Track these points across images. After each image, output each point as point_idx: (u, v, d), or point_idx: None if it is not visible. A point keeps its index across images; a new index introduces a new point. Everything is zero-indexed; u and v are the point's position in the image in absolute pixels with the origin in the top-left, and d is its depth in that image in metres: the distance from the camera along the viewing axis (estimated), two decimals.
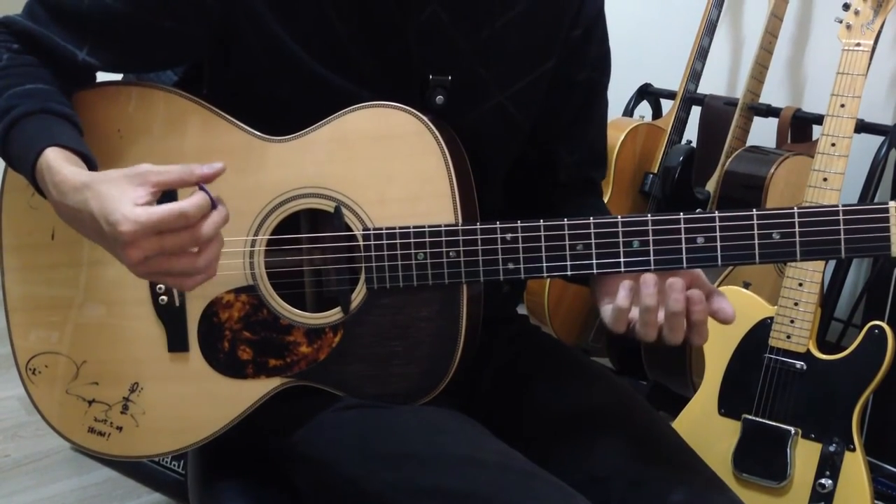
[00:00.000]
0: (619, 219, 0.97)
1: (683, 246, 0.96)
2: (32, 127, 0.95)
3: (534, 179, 1.24)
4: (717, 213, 0.95)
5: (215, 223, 0.88)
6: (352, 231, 1.02)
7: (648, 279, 0.96)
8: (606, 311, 1.01)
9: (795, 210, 0.94)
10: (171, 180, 0.88)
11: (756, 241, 0.95)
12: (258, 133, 1.04)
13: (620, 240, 0.97)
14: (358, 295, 1.03)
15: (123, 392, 1.08)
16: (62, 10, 1.01)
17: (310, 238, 1.05)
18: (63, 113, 0.98)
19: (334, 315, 1.04)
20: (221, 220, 0.89)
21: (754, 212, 0.95)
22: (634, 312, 0.98)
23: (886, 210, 0.92)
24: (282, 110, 1.05)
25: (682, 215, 0.96)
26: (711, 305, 0.97)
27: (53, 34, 1.01)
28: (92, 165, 0.95)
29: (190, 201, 0.86)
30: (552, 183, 1.24)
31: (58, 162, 0.91)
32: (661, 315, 0.96)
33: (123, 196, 0.85)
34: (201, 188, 0.88)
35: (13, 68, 1.00)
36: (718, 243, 0.96)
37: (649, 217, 0.97)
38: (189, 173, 0.88)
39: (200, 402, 1.07)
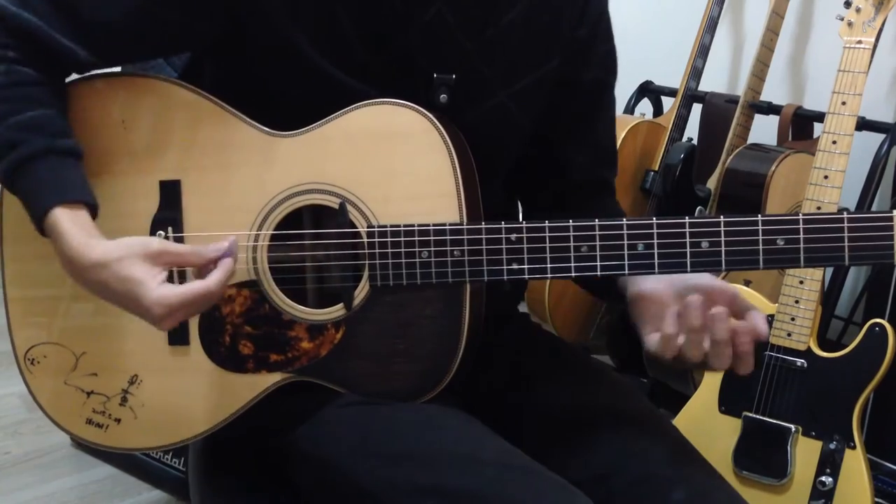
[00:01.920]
0: (624, 221, 0.97)
1: (688, 250, 0.96)
2: (39, 174, 0.96)
3: (545, 181, 1.24)
4: (722, 218, 0.95)
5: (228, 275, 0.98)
6: (356, 228, 1.02)
7: (694, 301, 0.96)
8: (653, 339, 1.01)
9: (800, 217, 0.94)
10: (183, 263, 0.98)
11: (760, 247, 0.95)
12: (263, 128, 1.04)
13: (625, 242, 0.97)
14: (361, 292, 1.03)
15: (122, 384, 1.08)
16: (67, 3, 0.99)
17: (313, 234, 1.05)
18: (67, 149, 0.98)
19: (337, 311, 1.03)
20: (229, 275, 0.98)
21: (759, 217, 0.95)
22: (681, 339, 0.98)
23: (891, 218, 0.92)
24: (286, 106, 1.05)
25: (686, 219, 0.96)
26: (752, 325, 0.97)
27: (55, 31, 0.98)
28: (94, 211, 0.98)
29: (214, 281, 0.95)
30: (566, 185, 1.24)
31: (67, 226, 0.95)
32: (706, 342, 0.97)
33: (146, 278, 0.93)
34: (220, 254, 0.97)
35: (11, 88, 0.97)
36: (723, 248, 0.95)
37: (654, 220, 0.97)
38: (199, 257, 0.97)
39: (200, 395, 1.07)
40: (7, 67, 0.97)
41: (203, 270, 0.97)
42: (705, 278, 1.00)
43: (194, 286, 0.93)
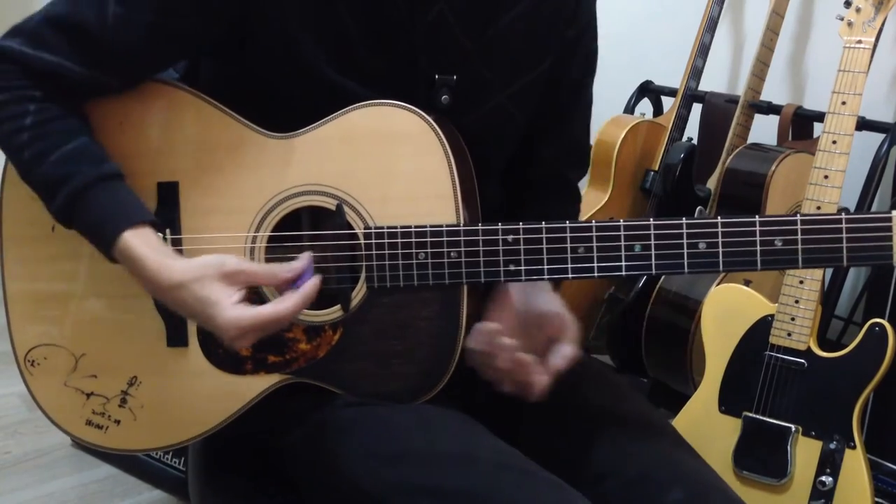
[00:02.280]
0: (622, 222, 0.98)
1: (685, 251, 0.96)
2: (98, 202, 0.98)
3: (513, 175, 1.24)
4: (719, 220, 0.96)
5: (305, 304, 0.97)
6: (353, 229, 1.02)
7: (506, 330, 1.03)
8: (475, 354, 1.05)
9: (798, 218, 0.94)
10: (258, 283, 0.99)
11: (758, 248, 0.95)
12: (261, 129, 1.04)
13: (622, 243, 0.97)
14: (358, 293, 1.03)
15: (122, 385, 1.08)
16: (83, 33, 0.98)
17: (311, 235, 1.05)
18: (114, 173, 1.00)
19: (334, 313, 1.04)
20: (308, 301, 0.97)
21: (757, 218, 0.95)
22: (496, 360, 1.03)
23: (889, 219, 0.92)
24: (285, 107, 1.05)
25: (684, 220, 0.96)
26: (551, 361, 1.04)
27: (75, 64, 0.98)
28: (157, 227, 1.00)
29: (287, 307, 0.94)
30: (527, 178, 1.24)
31: (141, 250, 0.96)
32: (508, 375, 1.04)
33: (221, 299, 0.93)
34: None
35: (44, 126, 0.98)
36: (720, 249, 0.96)
37: (651, 221, 0.97)
38: (273, 277, 0.98)
39: (199, 397, 1.07)
40: (36, 107, 0.99)
41: (281, 289, 0.98)
42: (552, 306, 1.08)
43: (265, 310, 0.94)
